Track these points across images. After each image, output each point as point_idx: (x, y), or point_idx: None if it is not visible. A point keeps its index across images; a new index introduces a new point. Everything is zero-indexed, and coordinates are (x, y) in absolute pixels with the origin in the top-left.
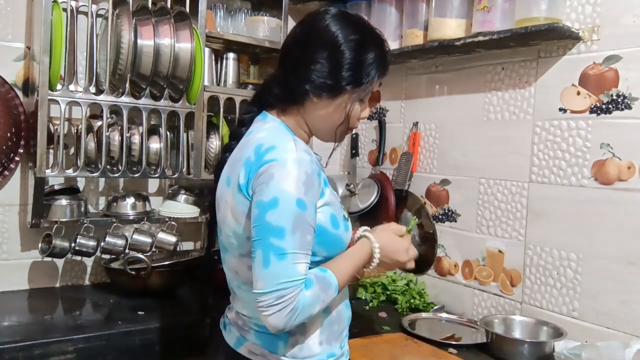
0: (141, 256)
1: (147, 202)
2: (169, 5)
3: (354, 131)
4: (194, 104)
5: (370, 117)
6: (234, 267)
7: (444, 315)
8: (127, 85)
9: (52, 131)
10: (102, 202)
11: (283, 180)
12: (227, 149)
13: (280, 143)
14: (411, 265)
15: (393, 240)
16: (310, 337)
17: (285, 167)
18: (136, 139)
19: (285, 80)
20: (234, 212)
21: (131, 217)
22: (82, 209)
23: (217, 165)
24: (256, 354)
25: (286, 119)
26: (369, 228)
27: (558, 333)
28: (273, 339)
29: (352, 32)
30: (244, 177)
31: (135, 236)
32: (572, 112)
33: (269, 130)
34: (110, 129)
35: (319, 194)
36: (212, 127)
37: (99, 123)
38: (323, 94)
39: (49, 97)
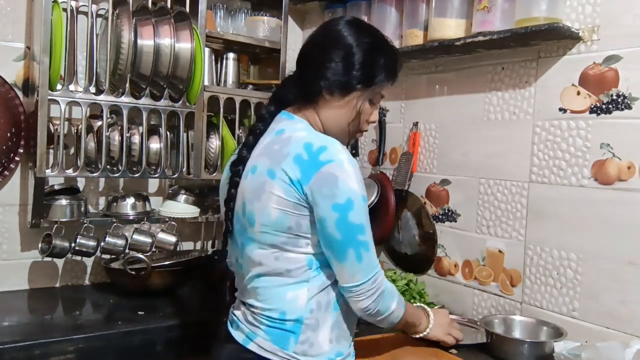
0: (141, 256)
1: (147, 202)
2: (169, 5)
3: None
4: (194, 104)
5: None
6: (258, 258)
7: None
8: (127, 85)
9: (52, 131)
10: (102, 202)
11: (348, 180)
12: (245, 145)
13: (330, 144)
14: (450, 343)
15: (447, 318)
16: (320, 334)
17: (344, 167)
18: (136, 139)
19: (302, 79)
20: (280, 202)
21: (131, 217)
22: (82, 209)
23: (237, 162)
24: (266, 350)
25: (304, 117)
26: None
27: (558, 333)
28: (284, 335)
29: (365, 35)
30: (297, 172)
31: (135, 236)
32: (572, 112)
33: (306, 130)
34: (110, 129)
35: None
36: (212, 127)
37: (99, 123)
38: (335, 90)
39: (49, 97)
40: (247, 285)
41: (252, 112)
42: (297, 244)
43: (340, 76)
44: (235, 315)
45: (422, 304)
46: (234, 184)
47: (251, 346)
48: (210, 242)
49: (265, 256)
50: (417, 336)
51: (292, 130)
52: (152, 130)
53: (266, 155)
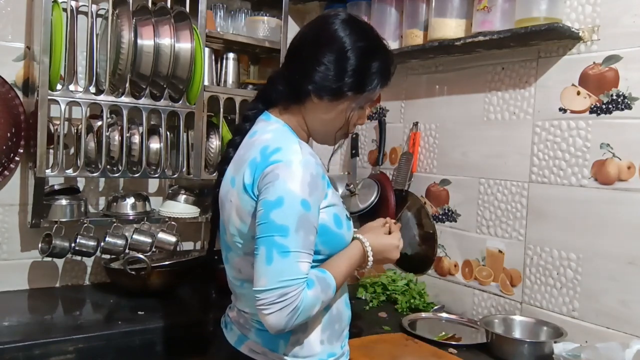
0: (141, 256)
1: (147, 202)
2: (169, 5)
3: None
4: (194, 104)
5: (370, 117)
6: (237, 265)
7: (444, 315)
8: (127, 85)
9: (52, 131)
10: (102, 202)
11: (289, 181)
12: (231, 144)
13: (286, 145)
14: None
15: (382, 239)
16: (311, 335)
17: (291, 167)
18: (136, 139)
19: (290, 78)
20: (239, 211)
21: (131, 217)
22: (82, 209)
23: (222, 161)
24: (257, 352)
25: (288, 118)
26: (355, 229)
27: (558, 333)
28: (274, 337)
29: (360, 39)
30: (249, 177)
31: (135, 236)
32: (572, 112)
33: (274, 132)
34: (110, 129)
35: (323, 195)
36: (212, 127)
37: (99, 123)
38: (325, 96)
39: (49, 97)
40: (236, 290)
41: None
42: None
43: (331, 82)
44: (229, 317)
45: (359, 236)
46: (218, 184)
47: (242, 348)
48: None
49: (242, 264)
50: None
51: (261, 133)
52: (152, 130)
53: (234, 162)
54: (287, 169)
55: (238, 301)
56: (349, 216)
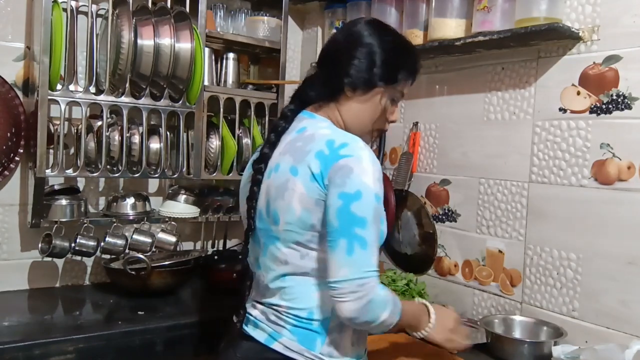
0: (141, 256)
1: (147, 202)
2: (169, 5)
3: None
4: (194, 104)
5: None
6: (284, 257)
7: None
8: (127, 85)
9: (52, 131)
10: (102, 202)
11: (363, 175)
12: (267, 142)
13: (352, 141)
14: (451, 349)
15: (452, 321)
16: (345, 336)
17: (362, 162)
18: (136, 139)
19: (325, 78)
20: (303, 199)
21: (131, 217)
22: (82, 209)
23: (259, 159)
24: (292, 350)
25: (325, 115)
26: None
27: (558, 333)
28: (311, 335)
29: (387, 35)
30: (317, 167)
31: (135, 236)
32: (572, 112)
33: (330, 128)
34: (110, 129)
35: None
36: (212, 127)
37: (99, 123)
38: (358, 87)
39: (49, 97)
40: (270, 284)
41: (252, 112)
42: (322, 243)
43: (364, 72)
44: (251, 315)
45: (425, 301)
46: (256, 181)
47: (275, 345)
48: (210, 242)
49: (291, 255)
50: (417, 336)
51: (315, 128)
52: (152, 130)
53: (289, 153)
54: (359, 163)
55: (271, 296)
56: None
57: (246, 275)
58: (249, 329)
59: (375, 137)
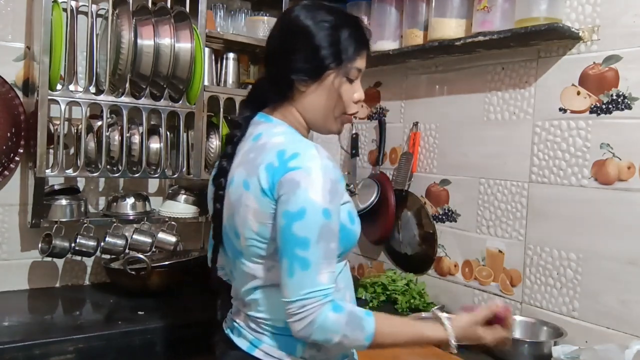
0: (141, 256)
1: (147, 202)
2: (169, 5)
3: (353, 131)
4: (194, 104)
5: (370, 117)
6: (251, 271)
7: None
8: (127, 85)
9: (52, 131)
10: (102, 202)
11: (310, 189)
12: (224, 156)
13: (304, 150)
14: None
15: (473, 329)
16: None
17: (311, 175)
18: (136, 139)
19: (272, 78)
20: (257, 214)
21: (131, 217)
22: (82, 209)
23: (218, 174)
24: (273, 356)
25: (282, 116)
26: (450, 316)
27: (558, 333)
28: (291, 341)
29: (322, 15)
30: (266, 181)
31: (135, 236)
32: (572, 112)
33: (284, 135)
34: (110, 129)
35: (342, 198)
36: (212, 127)
37: (99, 123)
38: (307, 78)
39: (49, 97)
40: (244, 297)
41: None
42: None
43: (308, 62)
44: (235, 322)
45: (442, 317)
46: (218, 198)
47: (257, 353)
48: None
49: (257, 269)
50: (453, 346)
51: (269, 136)
52: (152, 130)
53: (243, 165)
54: (307, 176)
55: (248, 308)
56: (360, 210)
57: (220, 289)
58: (234, 337)
59: (345, 122)
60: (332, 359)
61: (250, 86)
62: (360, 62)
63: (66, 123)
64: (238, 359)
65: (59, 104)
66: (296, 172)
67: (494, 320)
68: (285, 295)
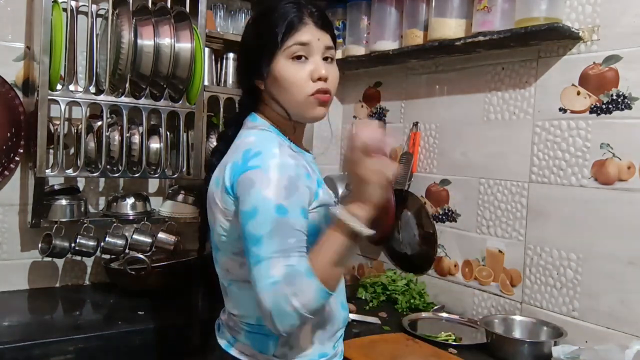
0: (141, 256)
1: (147, 202)
2: (169, 5)
3: (353, 131)
4: (194, 104)
5: (370, 117)
6: (225, 265)
7: (444, 315)
8: (127, 85)
9: (52, 131)
10: (102, 202)
11: (263, 188)
12: (214, 152)
13: (266, 149)
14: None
15: (364, 190)
16: (301, 337)
17: (268, 173)
18: (136, 139)
19: (243, 88)
20: (224, 212)
21: (131, 217)
22: (82, 209)
23: (207, 169)
24: (247, 354)
25: (264, 116)
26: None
27: (558, 333)
28: (263, 339)
29: (252, 18)
30: (229, 179)
31: (135, 236)
32: (572, 112)
33: (257, 134)
34: (110, 129)
35: (309, 196)
36: (212, 127)
37: (99, 123)
38: (260, 73)
39: (49, 97)
40: (224, 291)
41: None
42: None
43: (252, 60)
44: (220, 319)
45: (337, 210)
46: (204, 191)
47: (232, 351)
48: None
49: (230, 264)
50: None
51: (245, 135)
52: (152, 130)
53: (220, 164)
54: (263, 175)
55: (227, 302)
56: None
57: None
58: (217, 334)
59: (319, 104)
60: (307, 356)
61: None
62: (300, 36)
63: (66, 123)
64: (218, 357)
65: (59, 104)
66: (253, 171)
67: (369, 151)
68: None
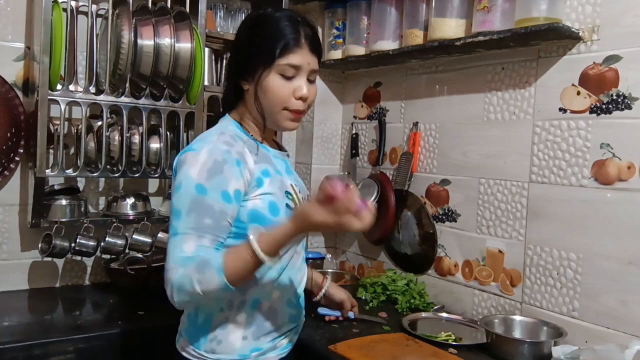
0: (141, 256)
1: (147, 202)
2: (169, 5)
3: (353, 131)
4: (194, 104)
5: (370, 117)
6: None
7: (444, 315)
8: (127, 85)
9: (52, 131)
10: (102, 202)
11: (190, 167)
12: None
13: (208, 135)
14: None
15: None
16: (230, 332)
17: (198, 155)
18: (136, 139)
19: (228, 83)
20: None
21: (131, 217)
22: (82, 209)
23: None
24: (184, 349)
25: (237, 115)
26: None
27: (558, 333)
28: (196, 334)
29: (248, 21)
30: (175, 163)
31: (135, 236)
32: (572, 112)
33: (217, 128)
34: (110, 129)
35: (239, 182)
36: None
37: (99, 123)
38: (247, 77)
39: (49, 97)
40: None
41: None
42: None
43: (242, 64)
44: None
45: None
46: None
47: (178, 346)
48: None
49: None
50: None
51: (208, 130)
52: (152, 130)
53: None
54: (195, 156)
55: None
56: (290, 206)
57: None
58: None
59: (292, 119)
60: (236, 352)
61: None
62: (294, 59)
63: (66, 123)
64: (171, 352)
65: (59, 104)
66: (188, 153)
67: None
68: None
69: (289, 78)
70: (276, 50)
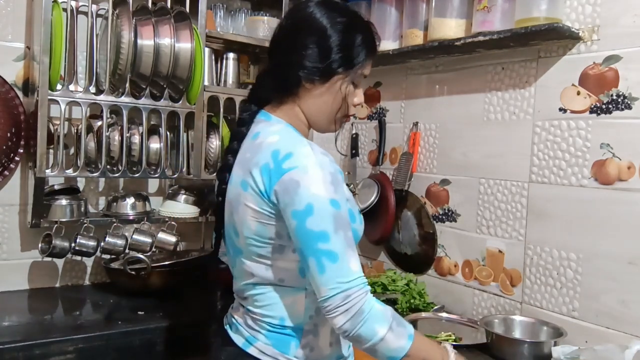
0: (141, 256)
1: (147, 202)
2: (169, 5)
3: (353, 131)
4: (194, 104)
5: (370, 117)
6: (249, 269)
7: (444, 315)
8: (127, 85)
9: (52, 131)
10: (102, 202)
11: (311, 185)
12: (230, 151)
13: (297, 149)
14: None
15: None
16: (321, 338)
17: (308, 172)
18: (136, 139)
19: (278, 72)
20: (256, 214)
21: (131, 217)
22: (82, 209)
23: (222, 168)
24: (266, 354)
25: (285, 114)
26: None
27: (558, 333)
28: (285, 339)
29: (338, 15)
30: (263, 183)
31: (135, 236)
32: (572, 112)
33: (279, 133)
34: (110, 129)
35: (345, 190)
36: (212, 127)
37: (99, 123)
38: (315, 78)
39: (49, 97)
40: (244, 292)
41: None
42: (284, 253)
43: (319, 62)
44: (234, 318)
45: (446, 343)
46: (220, 192)
47: (251, 350)
48: (210, 242)
49: (256, 267)
50: None
51: (266, 135)
52: (152, 130)
53: (239, 164)
54: (304, 174)
55: (246, 302)
56: (360, 210)
57: (218, 281)
58: (231, 332)
59: (343, 123)
60: (325, 358)
61: (250, 86)
62: (368, 68)
63: (66, 123)
64: (233, 355)
65: (59, 104)
66: (293, 172)
67: None
68: (322, 294)
69: (356, 86)
70: (361, 58)
